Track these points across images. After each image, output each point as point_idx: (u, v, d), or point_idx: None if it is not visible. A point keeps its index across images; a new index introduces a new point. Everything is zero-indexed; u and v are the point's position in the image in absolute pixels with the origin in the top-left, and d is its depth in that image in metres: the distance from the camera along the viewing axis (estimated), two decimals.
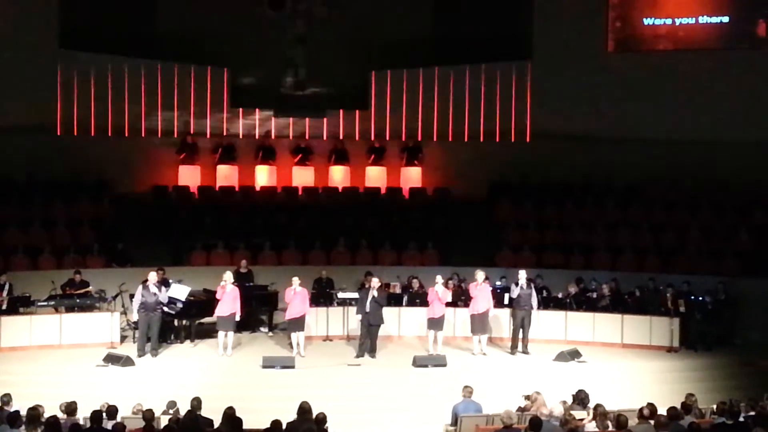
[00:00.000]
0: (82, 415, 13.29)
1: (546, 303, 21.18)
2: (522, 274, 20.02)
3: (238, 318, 19.39)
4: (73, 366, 18.28)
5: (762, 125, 25.47)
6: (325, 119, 27.46)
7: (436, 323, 19.62)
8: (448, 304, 20.00)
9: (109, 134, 26.39)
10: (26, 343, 19.38)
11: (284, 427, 12.83)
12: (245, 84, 27.76)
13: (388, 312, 20.17)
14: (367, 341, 19.36)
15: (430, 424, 15.99)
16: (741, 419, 13.25)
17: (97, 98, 26.29)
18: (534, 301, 19.99)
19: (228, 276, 19.37)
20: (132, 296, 19.50)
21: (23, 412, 12.84)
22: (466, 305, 20.44)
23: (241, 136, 27.30)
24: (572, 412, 13.84)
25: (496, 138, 27.48)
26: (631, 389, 17.66)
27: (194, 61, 26.97)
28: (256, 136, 27.32)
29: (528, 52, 27.66)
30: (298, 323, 19.36)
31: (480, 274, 19.83)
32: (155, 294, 18.95)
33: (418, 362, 18.71)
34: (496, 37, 27.40)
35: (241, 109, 27.56)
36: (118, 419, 13.07)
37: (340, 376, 18.27)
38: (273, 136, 27.22)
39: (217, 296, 19.25)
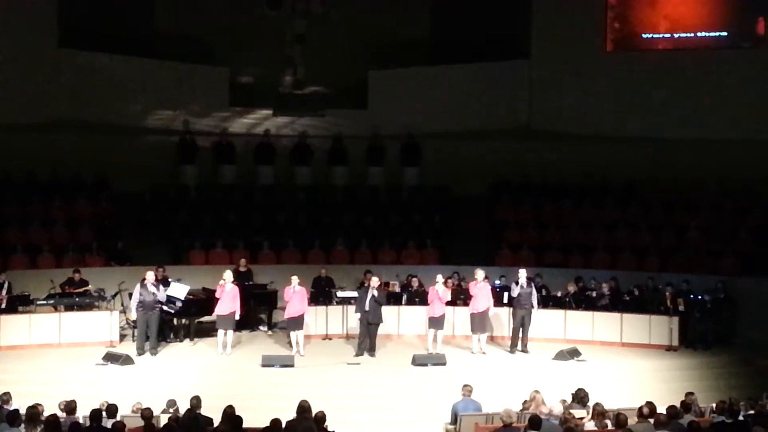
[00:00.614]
0: (82, 413, 13.29)
1: (545, 302, 21.16)
2: (522, 273, 20.02)
3: (237, 317, 19.39)
4: (73, 365, 18.27)
5: (762, 124, 25.50)
6: (324, 118, 27.51)
7: (436, 322, 19.62)
8: (447, 303, 20.00)
9: (109, 133, 26.41)
10: (25, 342, 19.37)
11: (283, 425, 12.83)
12: (244, 83, 27.82)
13: (387, 311, 20.17)
14: (367, 340, 19.36)
15: (430, 423, 16.00)
16: (740, 418, 13.26)
17: (96, 97, 26.31)
18: (534, 300, 20.00)
19: (228, 275, 19.37)
20: (131, 295, 19.49)
21: (23, 411, 12.84)
22: (466, 304, 20.43)
23: (240, 135, 27.27)
24: (572, 410, 13.85)
25: (496, 137, 27.51)
26: (630, 388, 17.66)
27: (193, 60, 27.03)
28: (255, 135, 27.31)
29: (527, 52, 27.72)
30: (297, 322, 19.35)
31: (480, 273, 19.83)
32: (153, 293, 18.94)
33: (418, 361, 18.71)
34: (494, 36, 27.46)
35: (240, 108, 27.56)
36: (118, 418, 13.07)
37: (340, 374, 18.27)
38: (272, 135, 27.20)
39: (217, 295, 19.26)
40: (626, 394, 16.79)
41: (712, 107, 26.02)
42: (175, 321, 20.19)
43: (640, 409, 13.43)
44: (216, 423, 13.15)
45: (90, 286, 20.61)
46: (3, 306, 20.00)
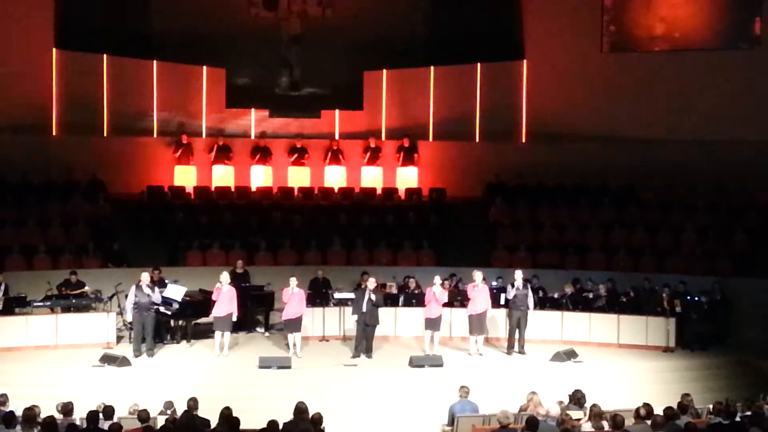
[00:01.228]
0: (79, 415, 13.28)
1: (542, 303, 21.19)
2: (518, 275, 20.03)
3: (235, 318, 19.37)
4: (70, 366, 18.26)
5: (758, 125, 25.53)
6: (320, 118, 27.51)
7: (433, 323, 19.63)
8: (444, 305, 19.99)
9: (105, 134, 26.40)
10: (22, 344, 19.35)
11: (281, 427, 12.82)
12: (240, 84, 27.77)
13: (384, 312, 20.17)
14: (364, 342, 19.35)
15: (427, 424, 15.99)
16: (737, 419, 13.25)
17: (92, 98, 26.26)
18: (530, 302, 20.01)
19: (224, 277, 19.36)
20: (127, 296, 19.45)
21: (19, 413, 12.82)
22: (463, 305, 20.44)
23: (236, 136, 27.27)
24: (569, 412, 13.85)
25: (492, 138, 27.52)
26: (627, 389, 17.69)
27: (190, 61, 26.97)
28: (252, 136, 27.31)
29: (523, 52, 27.71)
30: (295, 324, 19.34)
31: (478, 275, 19.82)
32: (148, 294, 18.92)
33: (415, 362, 18.71)
34: (490, 36, 27.46)
35: (236, 109, 27.54)
36: (115, 419, 13.02)
37: (337, 376, 18.27)
38: (268, 136, 27.20)
39: (213, 297, 19.23)
40: (623, 395, 16.80)
41: (708, 108, 26.01)
42: (172, 322, 20.17)
43: (637, 410, 13.44)
44: (213, 424, 13.13)
45: (87, 287, 20.57)
46: (0, 307, 19.96)
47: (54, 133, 26.02)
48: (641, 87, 26.68)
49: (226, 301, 19.11)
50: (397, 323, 21.13)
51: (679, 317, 20.48)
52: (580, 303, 21.27)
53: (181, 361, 18.99)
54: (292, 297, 19.30)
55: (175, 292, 19.85)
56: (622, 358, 19.86)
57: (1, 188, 24.33)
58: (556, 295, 21.47)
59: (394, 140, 27.11)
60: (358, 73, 27.56)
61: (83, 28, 25.98)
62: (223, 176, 26.54)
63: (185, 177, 26.31)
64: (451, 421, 14.80)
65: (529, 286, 20.27)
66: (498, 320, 20.62)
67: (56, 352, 19.24)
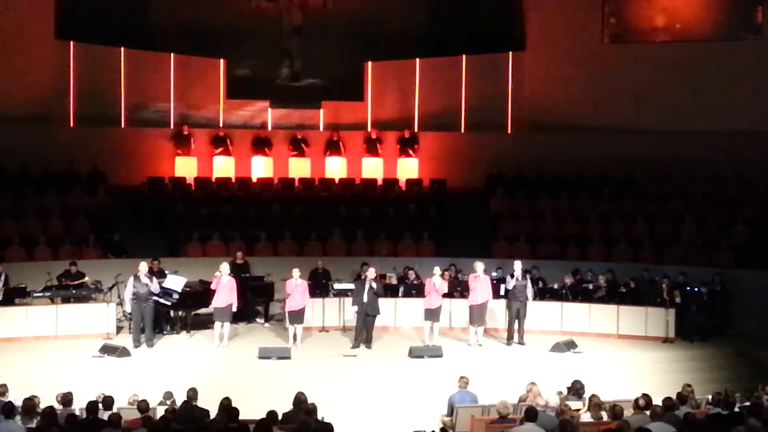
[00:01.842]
0: (78, 405, 13.30)
1: (542, 294, 21.20)
2: (518, 265, 20.03)
3: (235, 309, 19.39)
4: (69, 357, 18.28)
5: (758, 116, 25.50)
6: (320, 110, 27.50)
7: (432, 314, 19.64)
8: (444, 295, 20.00)
9: (105, 125, 26.37)
10: (22, 334, 19.38)
11: (280, 417, 12.84)
12: (241, 75, 27.74)
13: (384, 303, 20.17)
14: (364, 332, 19.37)
15: (426, 415, 15.99)
16: (736, 409, 13.27)
17: (92, 89, 26.25)
18: (529, 293, 20.02)
19: (224, 267, 19.37)
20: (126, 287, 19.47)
21: (19, 403, 12.85)
22: (463, 296, 20.44)
23: (237, 127, 27.26)
24: (568, 402, 13.88)
25: (492, 129, 27.51)
26: (626, 380, 17.72)
27: (190, 51, 26.94)
28: (252, 127, 27.28)
29: (524, 44, 27.68)
30: (298, 316, 19.37)
31: (479, 266, 19.82)
32: (146, 284, 18.93)
33: (414, 353, 18.73)
34: (491, 27, 27.42)
35: (237, 100, 27.52)
36: (114, 410, 13.04)
37: (336, 366, 18.28)
38: (269, 127, 27.18)
39: (213, 287, 19.23)
40: (622, 385, 16.84)
41: (708, 99, 25.98)
42: (171, 313, 20.19)
43: (636, 400, 13.46)
44: (212, 415, 13.16)
45: (86, 278, 20.58)
46: (0, 298, 19.98)
47: (54, 125, 25.97)
48: (642, 78, 26.64)
49: (226, 292, 19.12)
50: (397, 314, 21.15)
51: (678, 308, 20.49)
52: (579, 294, 21.27)
53: (180, 351, 19.01)
54: (296, 288, 19.31)
55: (175, 282, 19.87)
56: (621, 348, 19.88)
57: (1, 179, 24.31)
58: (555, 286, 21.48)
59: (395, 131, 27.08)
60: (359, 63, 27.53)
61: (83, 19, 25.94)
62: (223, 167, 26.54)
63: (186, 168, 26.31)
64: (451, 411, 14.82)
65: (528, 276, 20.28)
66: (497, 311, 20.63)
67: (56, 343, 19.26)
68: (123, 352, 18.22)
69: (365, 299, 19.19)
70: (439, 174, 26.70)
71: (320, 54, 27.43)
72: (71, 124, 26.17)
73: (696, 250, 23.36)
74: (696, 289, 20.83)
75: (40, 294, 20.02)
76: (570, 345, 19.40)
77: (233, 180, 26.32)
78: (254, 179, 26.43)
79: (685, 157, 25.16)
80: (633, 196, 25.36)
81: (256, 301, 21.59)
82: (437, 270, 19.79)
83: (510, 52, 27.81)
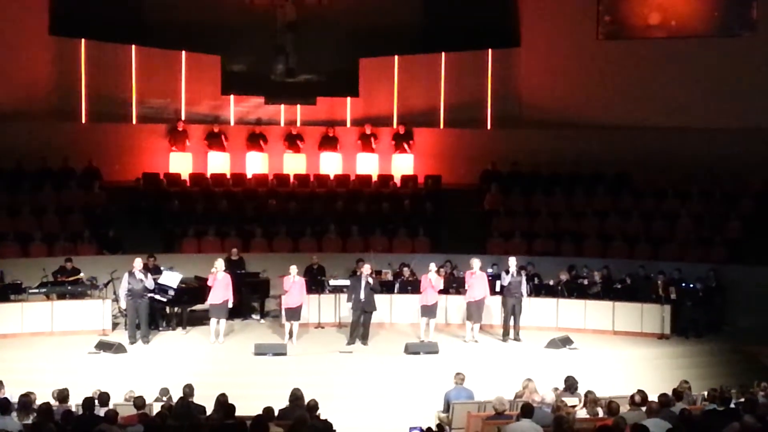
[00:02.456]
0: (74, 402, 13.29)
1: (537, 290, 21.22)
2: (512, 262, 20.06)
3: (230, 305, 19.38)
4: (65, 353, 18.29)
5: (752, 112, 25.54)
6: (315, 105, 27.47)
7: (428, 310, 19.65)
8: (440, 292, 20.01)
9: (100, 121, 26.32)
10: (18, 331, 19.37)
11: (276, 414, 12.83)
12: (236, 71, 27.70)
13: (380, 299, 20.20)
14: (360, 328, 19.36)
15: (423, 411, 15.99)
16: (731, 406, 13.29)
17: (87, 85, 26.21)
18: (524, 289, 20.05)
19: (219, 264, 19.35)
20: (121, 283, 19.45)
21: (14, 400, 12.84)
22: (459, 292, 20.45)
23: (232, 123, 27.25)
24: (564, 398, 13.90)
25: (487, 125, 27.52)
26: (622, 376, 17.72)
27: (185, 47, 26.89)
28: (247, 123, 27.27)
29: (518, 40, 27.68)
30: (295, 313, 19.37)
31: (476, 262, 19.82)
32: (141, 281, 18.92)
33: (410, 349, 18.74)
34: (485, 23, 27.41)
35: (232, 96, 27.50)
36: (111, 406, 13.07)
37: (332, 363, 18.30)
38: (264, 123, 27.16)
39: (209, 284, 19.22)
40: (618, 382, 16.84)
41: (703, 95, 26.00)
42: (167, 309, 20.17)
43: (632, 397, 13.47)
44: (209, 411, 13.17)
45: (82, 274, 20.57)
46: None
47: (48, 121, 25.93)
48: (637, 74, 26.65)
49: (221, 288, 19.12)
50: (393, 310, 21.15)
51: (674, 304, 20.51)
52: (575, 290, 21.29)
53: (176, 348, 19.02)
54: (293, 285, 19.31)
55: (171, 278, 19.86)
56: (617, 345, 19.90)
57: None
58: (551, 282, 21.50)
59: (390, 127, 27.07)
60: (354, 59, 27.50)
61: (77, 15, 25.88)
62: (218, 163, 26.49)
63: (181, 164, 26.26)
64: (447, 407, 14.83)
65: (523, 273, 20.29)
66: (493, 307, 20.64)
67: (52, 339, 19.25)
68: (119, 349, 18.22)
69: (362, 296, 19.19)
70: (434, 170, 26.68)
71: (315, 50, 27.41)
72: (65, 120, 26.08)
73: (691, 246, 23.39)
74: (691, 285, 20.86)
75: (36, 290, 20.01)
76: (566, 341, 19.43)
77: (228, 176, 26.28)
78: (249, 175, 26.39)
79: (680, 153, 25.16)
80: (628, 193, 25.38)
81: (252, 298, 21.57)
82: (432, 266, 19.80)
83: (505, 49, 27.79)
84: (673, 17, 27.03)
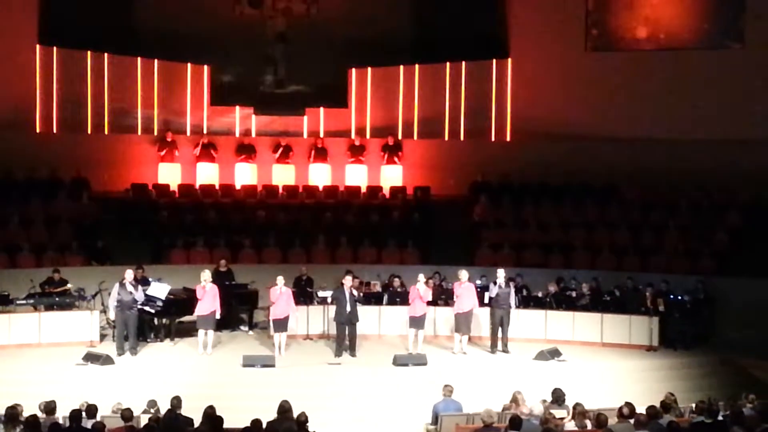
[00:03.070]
0: (62, 414, 13.22)
1: (526, 302, 21.22)
2: (501, 273, 20.05)
3: (218, 316, 19.33)
4: (53, 365, 18.18)
5: (740, 124, 25.62)
6: (304, 116, 27.49)
7: (417, 322, 19.63)
8: (429, 303, 19.99)
9: (89, 131, 26.31)
10: (5, 342, 19.24)
11: (264, 426, 12.81)
12: (225, 81, 27.73)
13: (368, 311, 20.30)
14: (346, 340, 19.32)
15: (411, 423, 16.01)
16: (720, 418, 13.32)
17: (76, 95, 26.19)
18: (512, 300, 20.04)
19: (206, 275, 19.30)
20: (111, 294, 19.39)
21: (1, 412, 12.79)
22: (447, 304, 20.45)
23: (221, 134, 27.23)
24: (552, 410, 13.90)
25: (476, 137, 27.56)
26: (610, 388, 17.71)
27: (174, 58, 26.90)
28: (236, 134, 27.27)
29: (507, 51, 27.76)
30: (282, 324, 19.32)
31: (464, 274, 19.81)
32: (131, 292, 18.87)
33: (399, 361, 18.71)
34: (475, 35, 27.49)
35: (221, 107, 27.49)
36: (98, 418, 13.00)
37: (321, 375, 18.25)
38: (253, 134, 27.16)
39: (198, 296, 19.17)
40: (606, 394, 16.85)
41: (692, 107, 26.10)
42: (155, 321, 20.12)
43: (620, 409, 13.49)
44: (197, 423, 13.12)
45: (70, 285, 20.49)
46: None
47: (37, 131, 25.90)
48: (625, 86, 26.73)
49: (209, 300, 19.07)
50: (382, 322, 21.12)
51: (662, 316, 20.54)
52: (563, 302, 21.31)
53: (164, 359, 18.94)
54: (280, 296, 19.27)
55: (159, 290, 19.80)
56: (605, 357, 19.89)
57: None
58: (539, 294, 21.51)
59: (379, 138, 27.11)
60: (343, 70, 27.56)
61: (67, 25, 25.87)
62: (207, 174, 26.48)
63: (170, 175, 26.25)
64: (435, 419, 14.82)
65: (511, 284, 20.30)
66: (481, 319, 20.63)
67: (39, 351, 19.15)
68: (106, 360, 18.14)
69: (348, 308, 19.17)
70: (423, 181, 26.73)
71: (304, 61, 27.45)
72: (55, 130, 26.05)
73: (679, 258, 23.44)
74: (679, 297, 20.89)
75: (23, 301, 19.91)
76: (554, 353, 19.42)
77: (217, 187, 26.26)
78: (238, 186, 26.39)
79: (669, 165, 25.25)
80: (617, 204, 25.44)
81: (240, 309, 21.53)
82: (421, 277, 19.79)
83: (493, 60, 27.87)
84: (662, 30, 27.15)
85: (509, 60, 27.75)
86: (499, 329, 19.96)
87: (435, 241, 24.76)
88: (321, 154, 26.82)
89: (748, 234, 23.80)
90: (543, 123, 26.83)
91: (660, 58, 26.81)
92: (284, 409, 13.45)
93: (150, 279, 20.20)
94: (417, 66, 27.75)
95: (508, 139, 27.62)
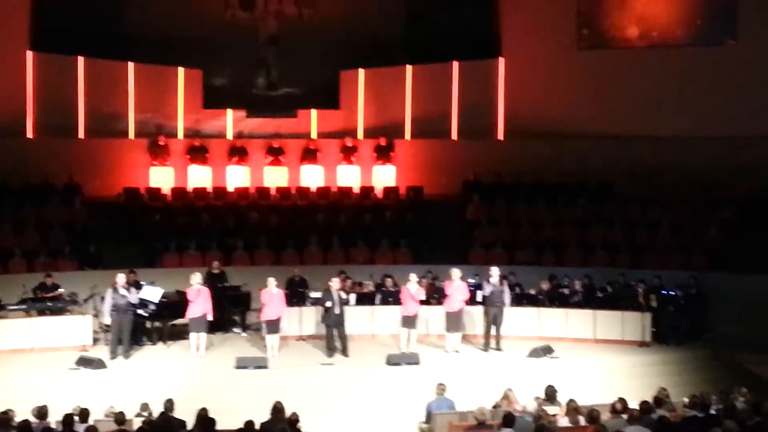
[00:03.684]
0: (54, 418, 13.22)
1: (519, 300, 21.23)
2: (495, 271, 20.06)
3: (210, 318, 19.32)
4: (45, 370, 18.13)
5: (733, 122, 25.66)
6: (296, 118, 27.49)
7: (409, 321, 19.63)
8: (422, 302, 20.00)
9: (80, 136, 26.29)
10: None
11: (258, 427, 12.82)
12: (217, 84, 27.73)
13: (361, 311, 20.40)
14: (337, 341, 19.31)
15: (404, 422, 16.02)
16: (712, 412, 13.36)
17: (67, 100, 26.15)
18: (506, 298, 20.04)
19: (196, 278, 19.29)
20: (103, 299, 19.37)
21: None
22: (440, 303, 20.46)
23: (213, 137, 27.22)
24: (545, 407, 13.92)
25: (469, 136, 27.58)
26: (603, 384, 17.73)
27: (166, 62, 26.89)
28: (229, 137, 27.26)
29: (499, 50, 27.79)
30: (274, 325, 19.31)
31: (456, 272, 19.83)
32: (124, 296, 18.85)
33: (392, 360, 18.71)
34: (467, 35, 27.51)
35: (213, 110, 27.48)
36: (90, 422, 13.02)
37: (314, 375, 18.24)
38: (245, 137, 27.16)
39: (190, 298, 19.16)
40: (599, 390, 16.83)
41: (687, 104, 26.13)
42: (148, 324, 20.11)
43: (613, 405, 13.55)
44: (190, 425, 13.14)
45: (62, 290, 20.48)
46: None
47: (29, 136, 25.89)
48: (618, 84, 26.77)
49: (200, 302, 19.05)
50: (374, 321, 21.12)
51: (654, 312, 20.57)
52: (556, 299, 21.34)
53: (157, 362, 18.92)
54: (272, 298, 19.27)
55: (152, 293, 19.78)
56: (598, 353, 19.90)
57: None
58: (533, 292, 21.53)
59: (371, 139, 27.12)
60: (335, 72, 27.57)
61: (58, 30, 25.85)
62: (199, 177, 26.48)
63: (162, 178, 26.24)
64: (428, 418, 14.85)
65: (505, 282, 20.30)
66: (474, 317, 20.64)
67: (32, 356, 19.09)
68: (99, 364, 18.11)
69: (337, 310, 19.17)
70: (415, 181, 26.74)
71: (296, 63, 27.45)
72: (46, 136, 26.02)
73: (672, 254, 23.47)
74: (672, 292, 20.92)
75: (15, 307, 19.88)
76: (547, 350, 19.43)
77: (210, 190, 26.26)
78: (231, 189, 26.38)
79: (662, 162, 25.30)
80: (611, 202, 25.45)
81: (233, 311, 21.52)
82: (413, 277, 19.78)
83: (485, 60, 27.89)
84: (654, 28, 27.19)
85: (501, 59, 27.77)
86: (493, 327, 19.97)
87: (428, 240, 24.77)
88: (313, 156, 26.81)
89: (742, 229, 23.82)
90: (536, 122, 26.86)
91: (653, 55, 26.85)
92: (277, 410, 13.48)
93: (142, 283, 20.17)
94: (409, 67, 27.76)
95: (500, 138, 27.63)
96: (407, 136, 27.47)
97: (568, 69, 27.10)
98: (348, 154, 26.93)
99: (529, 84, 27.28)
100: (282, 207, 25.79)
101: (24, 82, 25.91)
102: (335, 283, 19.38)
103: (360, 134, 27.32)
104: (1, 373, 17.98)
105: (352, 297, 20.29)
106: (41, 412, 13.35)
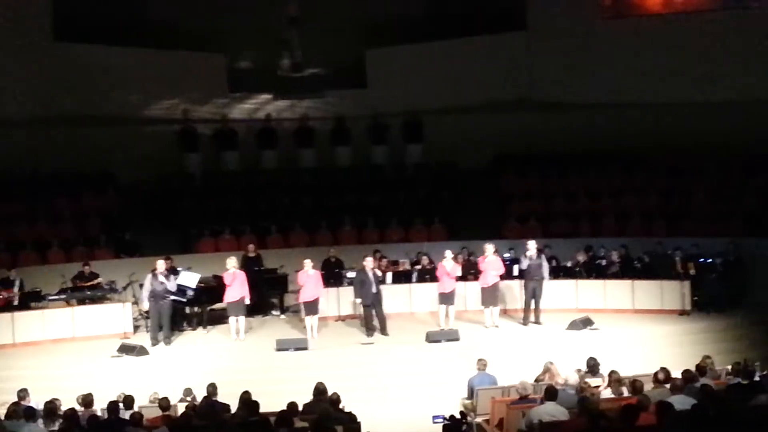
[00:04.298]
0: (99, 406, 13.34)
1: (556, 272, 21.15)
2: (531, 245, 19.96)
3: (247, 302, 19.38)
4: (88, 358, 18.32)
5: (762, 84, 25.37)
6: (324, 99, 27.43)
7: (446, 298, 19.60)
8: (458, 278, 19.97)
9: (109, 125, 26.35)
10: (40, 338, 19.40)
11: (300, 408, 12.86)
12: (243, 68, 27.71)
13: (398, 289, 20.43)
14: (375, 320, 19.32)
15: (447, 398, 16.01)
16: (756, 378, 13.26)
17: (95, 89, 26.21)
18: (545, 271, 19.93)
19: (232, 261, 19.35)
20: (142, 285, 19.50)
21: (40, 407, 12.91)
22: (476, 278, 20.42)
23: (241, 121, 27.22)
24: (587, 379, 13.87)
25: (497, 110, 27.43)
26: (644, 354, 17.67)
27: (190, 47, 26.88)
28: (257, 120, 27.26)
29: (524, 23, 27.62)
30: (312, 306, 19.35)
31: (489, 247, 19.77)
32: (163, 282, 18.94)
33: (431, 338, 18.72)
34: (490, 9, 27.35)
35: (239, 94, 27.47)
36: (135, 408, 13.13)
37: (354, 355, 18.30)
38: (273, 119, 27.14)
39: (227, 282, 19.22)
40: (641, 360, 16.80)
41: (713, 70, 25.89)
42: (187, 309, 20.21)
43: (656, 374, 13.47)
44: (233, 409, 13.19)
45: (100, 278, 20.65)
46: (15, 303, 20.04)
47: (58, 126, 25.96)
48: (645, 51, 26.53)
49: (237, 286, 19.13)
50: (412, 299, 21.13)
51: (693, 280, 20.42)
52: (593, 270, 21.25)
53: (198, 347, 19.05)
54: (308, 279, 19.30)
55: (189, 279, 19.88)
56: (638, 323, 19.83)
57: (10, 184, 24.31)
58: (569, 264, 21.44)
59: (400, 116, 27.02)
60: (361, 51, 27.48)
61: (81, 18, 25.89)
62: (230, 161, 26.49)
63: (192, 164, 26.26)
64: (471, 394, 14.84)
65: (543, 255, 20.19)
66: (513, 291, 20.61)
67: (74, 345, 19.30)
68: (141, 351, 18.25)
69: (374, 288, 19.14)
70: (446, 157, 26.63)
71: (321, 43, 27.37)
72: (75, 125, 26.10)
73: (708, 220, 23.27)
74: (710, 260, 20.76)
75: (55, 297, 20.06)
76: (586, 322, 19.37)
77: (240, 173, 26.27)
78: (262, 172, 26.37)
79: (693, 128, 25.06)
80: (643, 170, 25.26)
81: (271, 294, 21.60)
82: (448, 253, 19.74)
83: (512, 32, 27.71)
84: None
85: (527, 32, 27.58)
86: (532, 301, 19.90)
87: (462, 216, 24.70)
88: (343, 136, 26.74)
89: None
90: (563, 92, 26.71)
91: (681, 22, 26.60)
92: (319, 390, 13.51)
93: (179, 268, 20.27)
94: (434, 43, 27.60)
95: (530, 110, 27.44)
96: (436, 112, 27.33)
97: (593, 39, 26.93)
98: (378, 132, 26.84)
99: (554, 55, 27.13)
100: (314, 188, 25.77)
101: (51, 72, 25.93)
102: (369, 262, 19.35)
103: (389, 112, 27.20)
104: (45, 362, 18.17)
105: (389, 275, 20.29)
106: (86, 400, 13.47)
